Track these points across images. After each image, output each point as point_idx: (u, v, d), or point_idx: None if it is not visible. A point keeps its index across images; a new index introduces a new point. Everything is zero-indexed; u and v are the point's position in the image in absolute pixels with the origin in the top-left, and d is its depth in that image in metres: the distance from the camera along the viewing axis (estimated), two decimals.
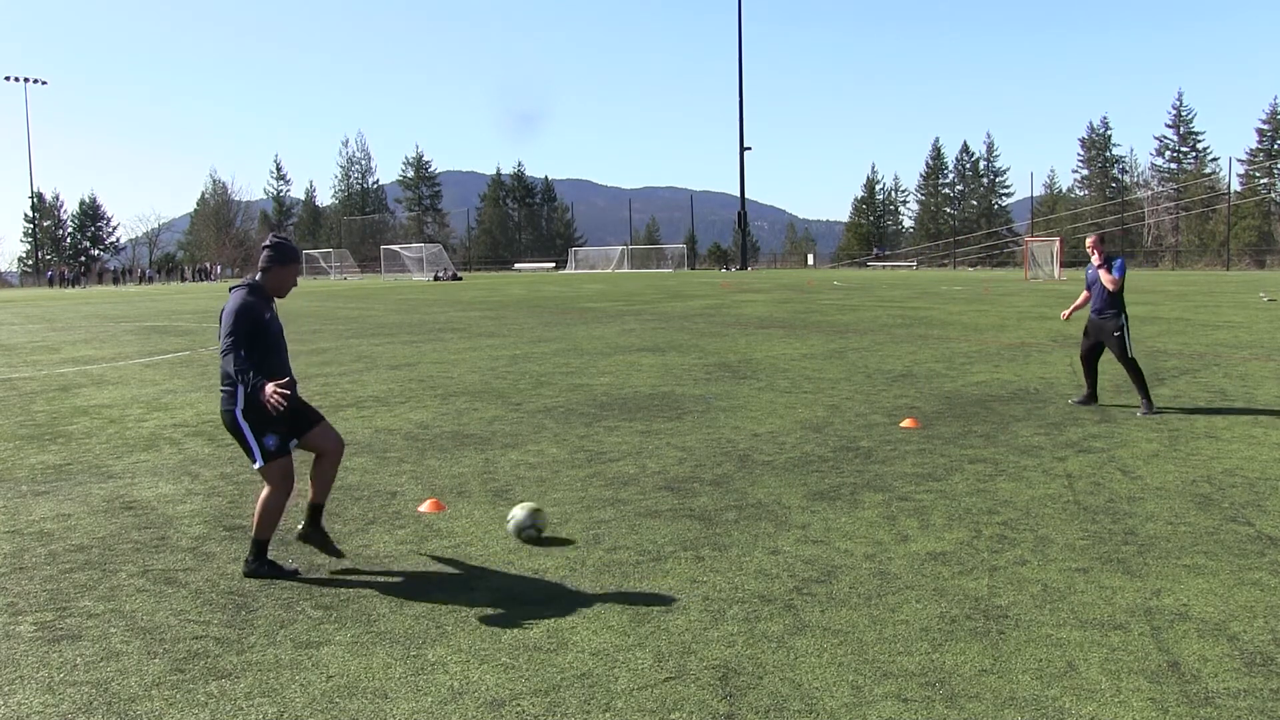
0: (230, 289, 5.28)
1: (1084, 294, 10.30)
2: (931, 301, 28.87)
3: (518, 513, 5.87)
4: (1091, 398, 10.19)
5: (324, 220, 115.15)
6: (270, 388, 4.91)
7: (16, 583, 5.24)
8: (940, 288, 38.56)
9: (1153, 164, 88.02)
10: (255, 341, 5.11)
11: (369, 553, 5.67)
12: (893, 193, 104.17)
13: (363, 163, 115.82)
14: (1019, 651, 4.17)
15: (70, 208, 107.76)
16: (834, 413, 9.98)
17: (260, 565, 5.28)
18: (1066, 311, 10.80)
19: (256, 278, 5.32)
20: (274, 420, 5.15)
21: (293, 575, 5.27)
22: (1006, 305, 26.32)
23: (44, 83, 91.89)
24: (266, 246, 5.36)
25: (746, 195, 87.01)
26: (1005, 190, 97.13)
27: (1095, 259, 9.99)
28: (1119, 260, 9.96)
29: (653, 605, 4.76)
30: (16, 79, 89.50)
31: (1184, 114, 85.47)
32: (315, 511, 5.50)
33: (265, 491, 5.24)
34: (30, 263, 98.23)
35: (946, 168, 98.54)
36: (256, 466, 5.21)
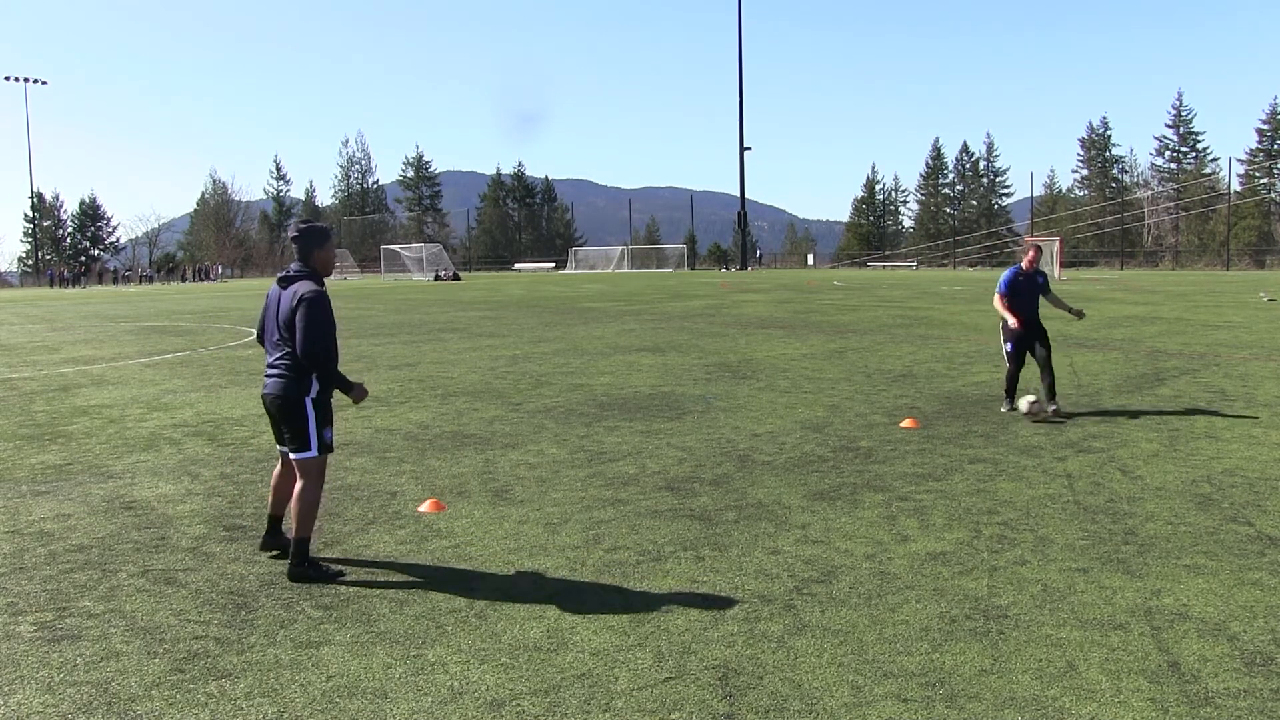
0: (285, 278, 5.30)
1: (1003, 299, 10.28)
2: (931, 301, 28.86)
3: None
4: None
5: (324, 220, 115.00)
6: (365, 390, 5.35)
7: (16, 583, 5.24)
8: (940, 288, 38.54)
9: (1153, 164, 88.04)
10: (331, 332, 5.23)
11: (369, 553, 5.67)
12: (893, 193, 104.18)
13: (363, 163, 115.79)
14: (1019, 651, 4.17)
15: (70, 208, 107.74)
16: (834, 413, 9.98)
17: (307, 567, 5.21)
18: (1016, 321, 10.08)
19: (298, 267, 5.32)
20: (331, 413, 5.33)
21: (337, 577, 5.20)
22: None
23: (44, 83, 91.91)
24: (300, 234, 5.35)
25: (746, 195, 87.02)
26: (1005, 190, 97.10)
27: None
28: (1045, 275, 10.27)
29: (653, 605, 4.76)
30: (16, 79, 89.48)
31: (1184, 114, 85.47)
32: (277, 522, 5.67)
33: (304, 485, 5.23)
34: (30, 263, 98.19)
35: (946, 168, 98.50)
36: (309, 455, 5.23)
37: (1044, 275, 10.28)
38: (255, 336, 5.67)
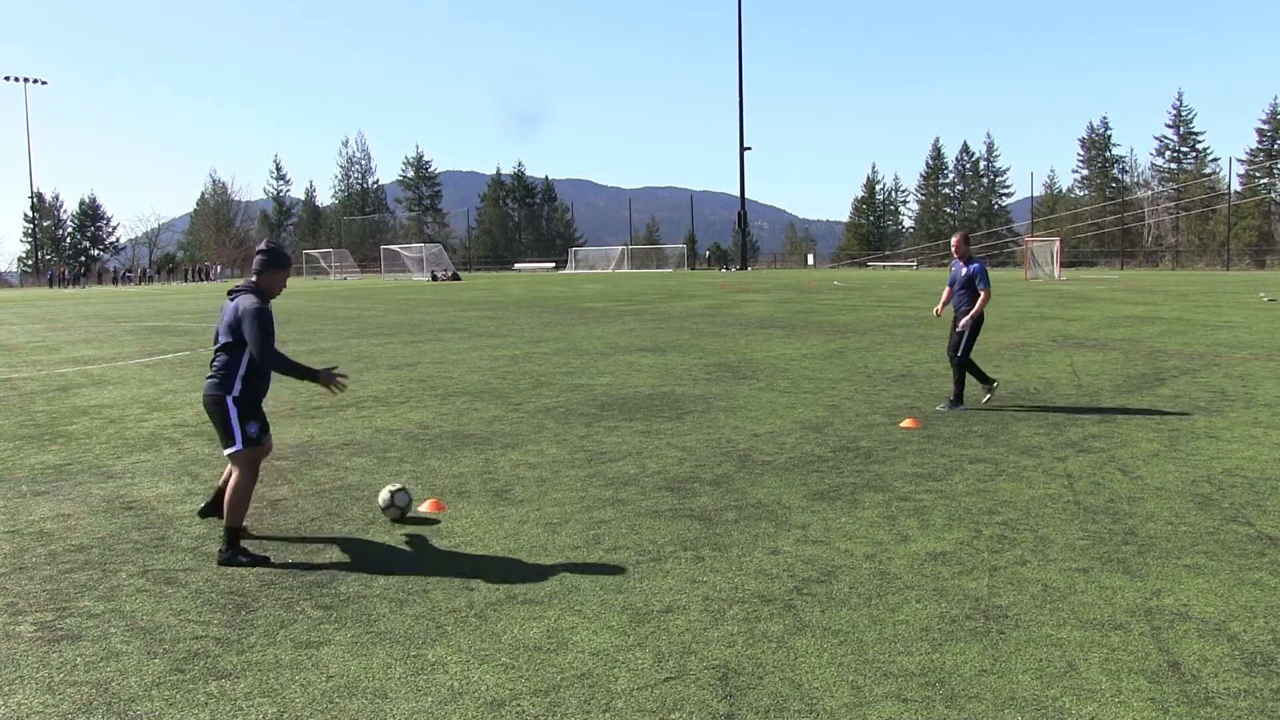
0: (233, 291, 5.70)
1: (947, 290, 10.38)
2: (931, 301, 28.86)
3: (384, 494, 6.30)
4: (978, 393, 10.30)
5: (324, 220, 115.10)
6: (336, 376, 5.66)
7: (16, 583, 5.24)
8: (940, 288, 38.54)
9: (1153, 164, 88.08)
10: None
11: (369, 553, 5.67)
12: (893, 193, 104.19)
13: (363, 163, 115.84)
14: (1019, 651, 4.17)
15: (70, 208, 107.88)
16: (834, 413, 9.98)
17: (235, 554, 5.50)
18: (938, 307, 10.61)
19: (254, 280, 5.70)
20: (258, 410, 5.62)
21: (264, 562, 5.46)
22: (1007, 305, 26.32)
23: (44, 83, 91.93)
24: (262, 252, 5.78)
25: (746, 195, 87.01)
26: (1005, 190, 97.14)
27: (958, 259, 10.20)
28: (979, 265, 10.09)
29: (653, 605, 4.76)
30: (16, 79, 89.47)
31: (1184, 114, 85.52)
32: (222, 495, 5.92)
33: (236, 477, 5.55)
34: (30, 263, 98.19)
35: (946, 168, 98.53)
36: (234, 450, 5.53)
37: (974, 266, 10.06)
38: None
